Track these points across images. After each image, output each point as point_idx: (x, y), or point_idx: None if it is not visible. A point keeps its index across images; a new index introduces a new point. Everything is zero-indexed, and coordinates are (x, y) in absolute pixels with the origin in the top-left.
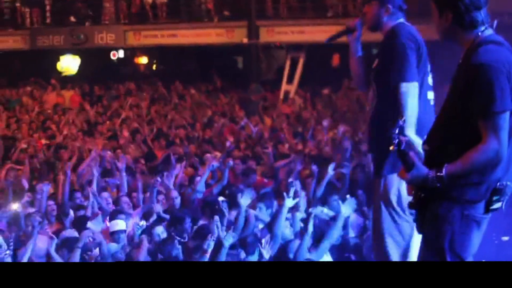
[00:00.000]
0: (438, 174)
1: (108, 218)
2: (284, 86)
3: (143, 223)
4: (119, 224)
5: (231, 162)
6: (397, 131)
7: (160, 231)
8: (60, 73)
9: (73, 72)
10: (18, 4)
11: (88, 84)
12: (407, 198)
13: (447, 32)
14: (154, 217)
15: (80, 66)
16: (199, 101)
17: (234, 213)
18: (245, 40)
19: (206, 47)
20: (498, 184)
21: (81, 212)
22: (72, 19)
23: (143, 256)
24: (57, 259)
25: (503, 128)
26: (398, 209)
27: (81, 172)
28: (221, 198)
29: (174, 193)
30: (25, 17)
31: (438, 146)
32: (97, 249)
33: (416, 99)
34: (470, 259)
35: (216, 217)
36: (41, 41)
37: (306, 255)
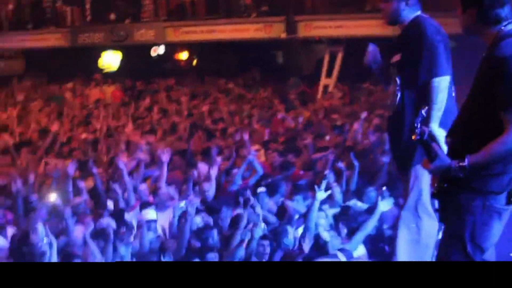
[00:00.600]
0: (461, 164)
1: (143, 208)
2: (323, 80)
3: (183, 204)
4: (150, 213)
5: (254, 152)
6: (419, 120)
7: (198, 221)
8: (102, 69)
9: (114, 69)
10: (58, 4)
11: (129, 80)
12: None
13: (470, 27)
14: (192, 207)
15: (121, 62)
16: (238, 95)
17: (270, 203)
18: (284, 35)
19: (245, 42)
20: None
21: (119, 204)
22: (112, 16)
23: (180, 244)
24: (93, 247)
25: None
26: (424, 201)
27: (119, 164)
28: (260, 189)
29: (210, 185)
30: (66, 16)
31: (461, 138)
32: (132, 237)
33: (445, 93)
34: (490, 249)
35: (250, 209)
36: (81, 39)
37: (340, 246)
